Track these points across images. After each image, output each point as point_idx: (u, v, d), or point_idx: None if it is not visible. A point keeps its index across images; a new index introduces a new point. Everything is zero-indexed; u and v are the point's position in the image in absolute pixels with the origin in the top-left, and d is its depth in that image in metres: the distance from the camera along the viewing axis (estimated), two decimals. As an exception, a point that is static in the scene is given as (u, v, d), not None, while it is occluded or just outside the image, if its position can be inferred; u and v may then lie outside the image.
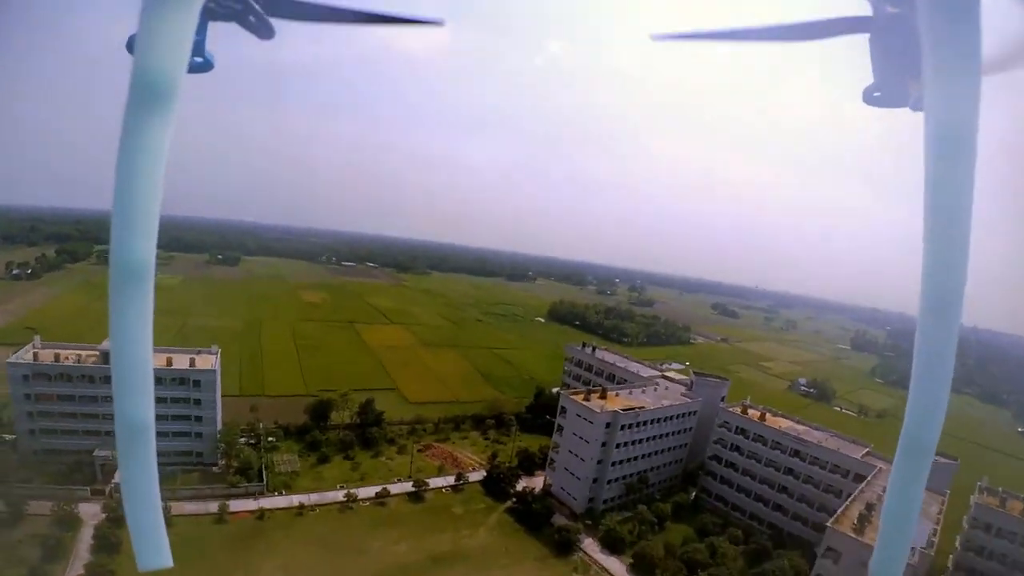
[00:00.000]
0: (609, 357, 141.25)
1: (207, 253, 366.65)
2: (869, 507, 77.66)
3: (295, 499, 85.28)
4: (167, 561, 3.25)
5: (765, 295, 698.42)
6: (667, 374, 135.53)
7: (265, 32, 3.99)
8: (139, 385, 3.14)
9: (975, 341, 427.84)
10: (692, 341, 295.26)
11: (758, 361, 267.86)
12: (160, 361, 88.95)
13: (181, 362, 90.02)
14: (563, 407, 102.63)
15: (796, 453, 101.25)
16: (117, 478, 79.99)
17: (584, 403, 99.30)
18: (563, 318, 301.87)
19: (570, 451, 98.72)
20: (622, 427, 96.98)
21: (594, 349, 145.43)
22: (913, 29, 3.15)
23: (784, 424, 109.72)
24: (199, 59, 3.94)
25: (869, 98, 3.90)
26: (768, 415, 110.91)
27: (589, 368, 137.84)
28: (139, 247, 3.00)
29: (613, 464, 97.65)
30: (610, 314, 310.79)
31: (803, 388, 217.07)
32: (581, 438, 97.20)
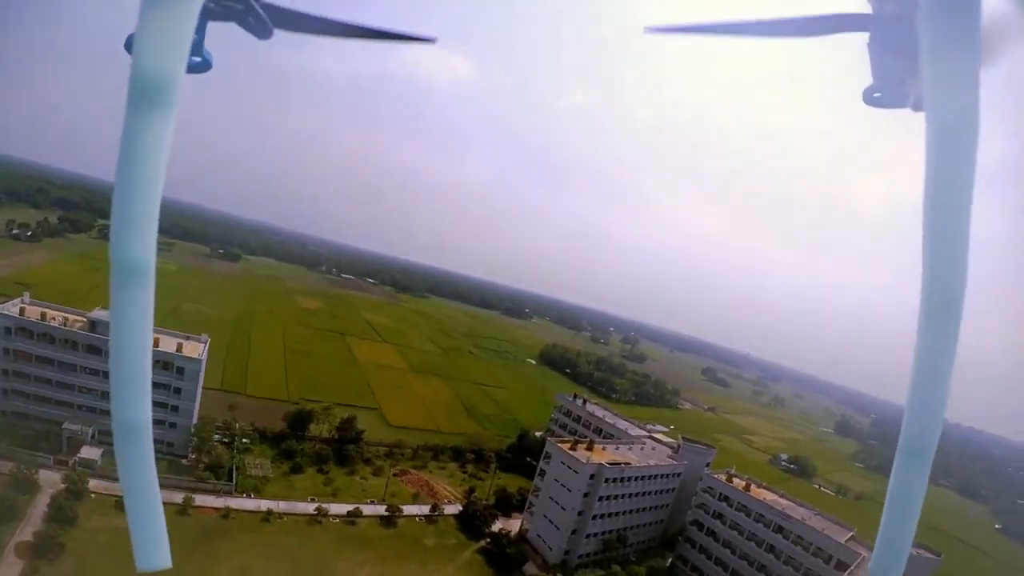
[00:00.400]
0: (599, 412, 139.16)
1: (208, 246, 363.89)
2: None
3: (263, 504, 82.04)
4: (166, 562, 3.09)
5: (755, 363, 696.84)
6: (655, 435, 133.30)
7: (263, 33, 3.84)
8: (138, 385, 2.99)
9: (957, 437, 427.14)
10: (680, 406, 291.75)
11: (742, 433, 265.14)
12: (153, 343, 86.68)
13: (168, 345, 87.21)
14: (548, 453, 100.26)
15: (779, 529, 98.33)
16: (83, 452, 77.80)
17: (570, 452, 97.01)
18: (554, 363, 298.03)
19: (551, 497, 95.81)
20: (606, 480, 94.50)
21: (585, 402, 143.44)
22: (913, 29, 3.07)
23: (768, 496, 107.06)
24: (197, 59, 3.73)
25: (869, 99, 3.70)
26: (753, 486, 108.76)
27: (578, 419, 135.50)
28: (139, 247, 2.90)
29: (593, 517, 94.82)
30: (601, 365, 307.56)
31: (784, 463, 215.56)
32: (564, 486, 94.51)
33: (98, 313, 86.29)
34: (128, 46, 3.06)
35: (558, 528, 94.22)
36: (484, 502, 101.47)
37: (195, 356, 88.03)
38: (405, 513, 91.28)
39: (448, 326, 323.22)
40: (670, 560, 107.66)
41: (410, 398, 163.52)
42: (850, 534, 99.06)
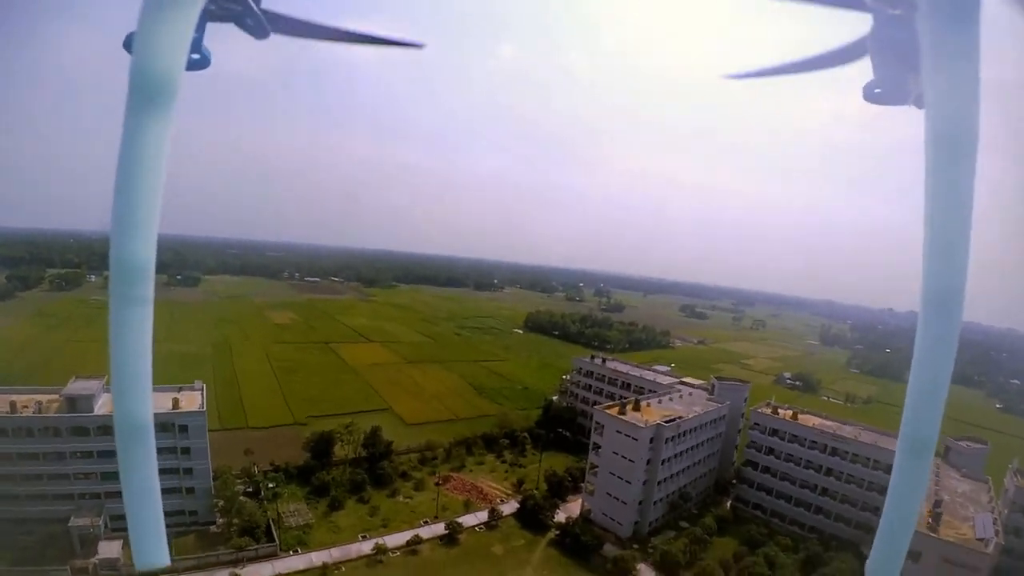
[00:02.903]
0: (621, 367, 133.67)
1: (164, 274, 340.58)
2: (937, 502, 72.53)
3: (314, 557, 72.69)
4: (164, 560, 3.31)
5: (726, 293, 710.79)
6: (685, 380, 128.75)
7: (261, 33, 3.92)
8: (138, 385, 3.17)
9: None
10: (672, 345, 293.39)
11: (739, 360, 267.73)
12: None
13: (162, 403, 75.70)
14: (599, 423, 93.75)
15: (834, 451, 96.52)
16: (101, 550, 66.87)
17: (623, 418, 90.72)
18: (541, 328, 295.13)
19: (611, 473, 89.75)
20: (666, 440, 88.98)
21: (604, 360, 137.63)
22: (913, 28, 3.16)
23: (815, 422, 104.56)
24: (195, 56, 3.78)
25: (870, 95, 3.77)
26: (799, 414, 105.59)
27: (602, 378, 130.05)
28: (139, 247, 2.99)
29: (658, 483, 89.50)
30: (587, 322, 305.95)
31: (789, 381, 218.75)
32: (624, 457, 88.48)
33: (74, 387, 73.95)
34: (127, 45, 3.10)
35: (625, 503, 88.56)
36: (537, 492, 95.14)
37: (196, 409, 76.99)
38: (464, 526, 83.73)
39: (427, 313, 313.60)
40: (729, 503, 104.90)
41: (417, 392, 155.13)
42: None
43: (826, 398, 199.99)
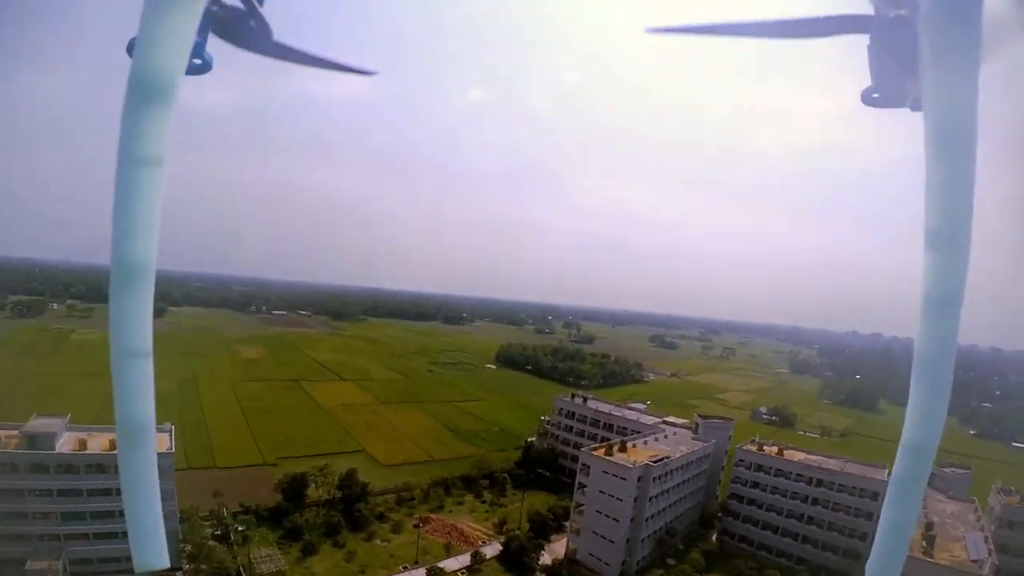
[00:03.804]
0: (603, 407, 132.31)
1: None
2: (929, 525, 73.14)
3: (290, 607, 68.43)
4: (164, 561, 3.35)
5: (692, 322, 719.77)
6: (668, 419, 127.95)
7: (264, 33, 3.94)
8: (139, 385, 3.20)
9: (902, 350, 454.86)
10: (645, 379, 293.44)
11: (713, 394, 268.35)
12: (102, 443, 70.86)
13: (127, 444, 71.59)
14: (585, 464, 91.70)
15: (819, 483, 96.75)
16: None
17: (610, 459, 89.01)
18: (514, 362, 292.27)
19: (598, 511, 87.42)
20: (654, 479, 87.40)
21: (585, 400, 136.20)
22: (912, 30, 3.18)
23: (799, 457, 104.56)
24: (198, 61, 3.78)
25: (868, 99, 3.76)
26: (784, 450, 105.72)
27: (583, 419, 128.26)
28: (139, 248, 3.00)
29: (646, 520, 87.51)
30: (559, 355, 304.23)
31: (765, 416, 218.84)
32: (612, 496, 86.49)
33: (35, 424, 68.94)
34: (130, 50, 3.11)
35: (612, 542, 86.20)
36: (520, 532, 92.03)
37: (164, 451, 72.09)
38: (446, 571, 79.78)
39: (397, 348, 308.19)
40: (715, 537, 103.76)
41: (391, 434, 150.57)
42: (885, 471, 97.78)
43: (803, 432, 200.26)
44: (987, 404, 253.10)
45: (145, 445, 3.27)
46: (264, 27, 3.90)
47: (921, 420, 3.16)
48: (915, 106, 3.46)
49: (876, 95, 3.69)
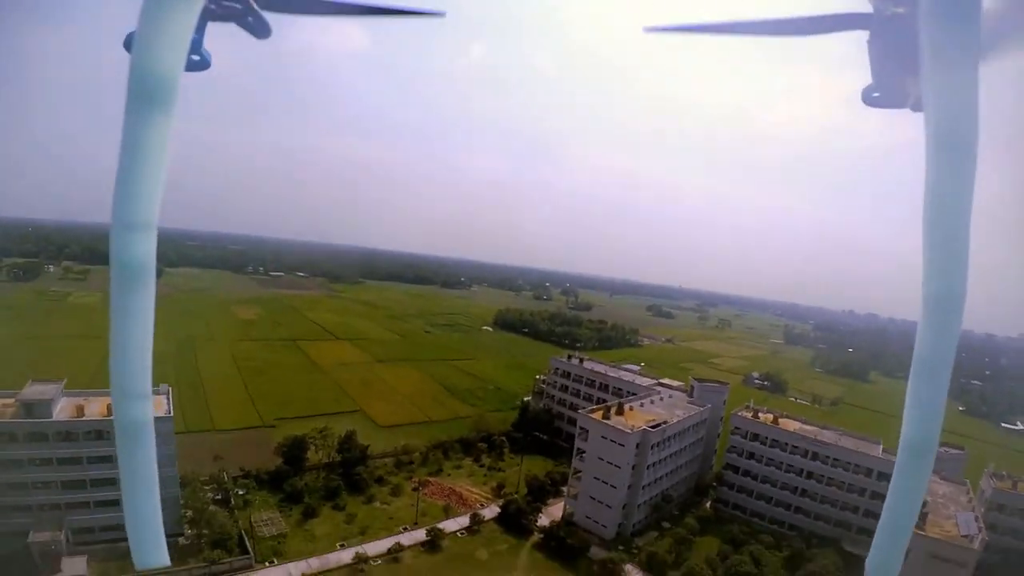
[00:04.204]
0: (599, 368, 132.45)
1: None
2: (922, 503, 73.57)
3: (291, 568, 68.85)
4: (164, 560, 3.37)
5: (689, 294, 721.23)
6: (663, 381, 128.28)
7: (262, 31, 3.94)
8: (138, 385, 3.21)
9: (894, 331, 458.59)
10: (640, 344, 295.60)
11: (707, 359, 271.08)
12: (100, 409, 70.45)
13: (126, 406, 71.16)
14: (583, 428, 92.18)
15: (815, 456, 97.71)
16: (65, 568, 61.89)
17: (609, 423, 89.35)
18: (511, 326, 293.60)
19: (596, 478, 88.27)
20: (652, 446, 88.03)
21: (582, 360, 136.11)
22: (912, 29, 3.16)
23: (794, 426, 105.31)
24: (196, 57, 3.82)
25: (868, 99, 3.77)
26: (779, 418, 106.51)
27: (579, 379, 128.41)
28: (140, 247, 3.02)
29: (643, 487, 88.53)
30: (557, 320, 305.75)
31: (757, 382, 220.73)
32: (610, 463, 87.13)
33: (31, 391, 68.04)
34: (127, 45, 3.12)
35: (609, 506, 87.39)
36: (516, 495, 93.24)
37: (162, 414, 71.25)
38: (446, 531, 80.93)
39: (395, 310, 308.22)
40: (709, 504, 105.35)
41: (389, 393, 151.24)
42: (879, 447, 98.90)
43: (794, 399, 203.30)
44: (976, 382, 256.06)
45: (144, 444, 3.18)
46: (262, 23, 3.85)
47: (921, 419, 3.12)
48: (916, 106, 3.43)
49: (877, 94, 3.65)
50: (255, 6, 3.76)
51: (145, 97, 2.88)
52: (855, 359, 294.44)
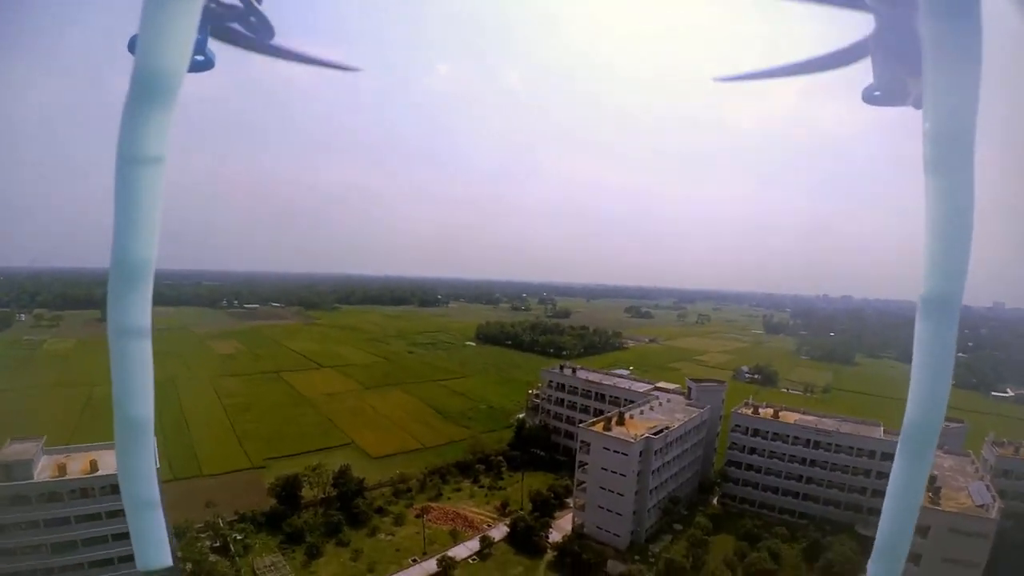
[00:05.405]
0: (593, 376, 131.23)
1: (97, 309, 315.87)
2: (932, 479, 74.30)
3: (301, 614, 65.94)
4: (166, 560, 3.29)
5: (666, 293, 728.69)
6: (659, 385, 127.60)
7: (265, 33, 3.90)
8: (138, 385, 3.19)
9: (878, 310, 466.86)
10: (625, 346, 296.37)
11: (693, 356, 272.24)
12: (83, 466, 66.80)
13: (109, 462, 67.41)
14: (584, 442, 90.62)
15: (817, 444, 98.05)
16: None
17: (611, 435, 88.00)
18: (493, 339, 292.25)
19: (602, 488, 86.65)
20: (655, 452, 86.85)
21: (574, 370, 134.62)
22: (913, 28, 3.19)
23: (794, 418, 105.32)
24: (200, 57, 3.77)
25: (869, 97, 3.74)
26: (780, 412, 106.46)
27: (574, 390, 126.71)
28: (139, 247, 3.02)
29: (650, 492, 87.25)
30: (539, 329, 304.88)
31: (747, 375, 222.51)
32: (615, 472, 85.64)
33: (10, 451, 63.62)
34: (132, 47, 3.10)
35: (619, 514, 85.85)
36: (522, 511, 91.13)
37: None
38: (457, 559, 78.17)
39: (375, 332, 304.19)
40: (716, 500, 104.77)
41: (379, 421, 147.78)
42: (880, 428, 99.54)
43: (785, 389, 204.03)
44: (961, 354, 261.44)
45: (145, 443, 3.11)
46: (265, 24, 3.76)
47: (922, 416, 3.05)
48: (918, 103, 3.33)
49: (878, 92, 3.59)
50: (257, 6, 3.67)
51: (147, 98, 2.85)
52: (838, 343, 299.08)
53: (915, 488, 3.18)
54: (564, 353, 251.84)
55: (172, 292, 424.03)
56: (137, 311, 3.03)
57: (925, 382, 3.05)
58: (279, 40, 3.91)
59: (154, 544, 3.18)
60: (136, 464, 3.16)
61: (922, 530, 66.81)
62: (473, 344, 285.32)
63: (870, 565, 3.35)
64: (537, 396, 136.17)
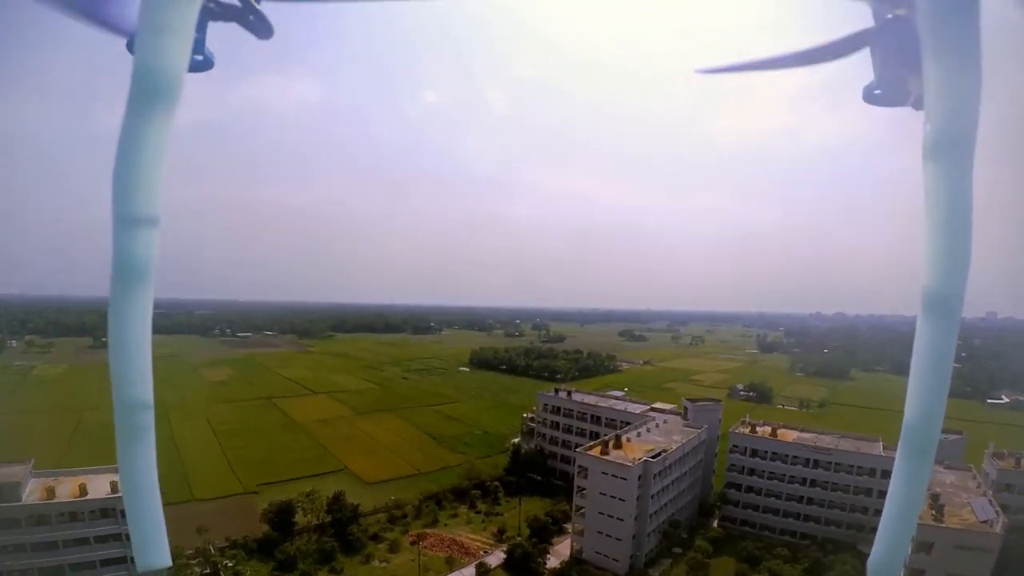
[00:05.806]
0: (589, 399, 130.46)
1: (89, 336, 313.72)
2: (935, 495, 74.02)
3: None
4: (166, 560, 3.32)
5: (659, 315, 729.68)
6: (655, 406, 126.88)
7: (264, 32, 3.88)
8: (138, 385, 3.19)
9: (869, 326, 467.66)
10: (619, 369, 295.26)
11: (687, 376, 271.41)
12: (72, 490, 65.49)
13: (99, 487, 66.40)
14: (582, 467, 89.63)
15: (816, 463, 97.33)
16: None
17: (608, 459, 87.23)
18: (487, 364, 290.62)
19: (601, 513, 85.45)
20: (654, 476, 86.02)
21: (570, 393, 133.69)
22: (914, 28, 3.18)
23: (792, 436, 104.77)
24: (199, 57, 3.75)
25: (870, 96, 3.73)
26: (777, 430, 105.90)
27: (569, 414, 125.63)
28: (139, 246, 3.02)
29: (650, 516, 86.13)
30: (533, 354, 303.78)
31: (742, 393, 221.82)
32: (614, 497, 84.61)
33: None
34: (130, 46, 3.15)
35: (618, 539, 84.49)
36: (519, 537, 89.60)
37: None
38: (454, 585, 76.75)
39: (369, 359, 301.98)
40: (716, 523, 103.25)
41: (373, 447, 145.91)
42: (879, 444, 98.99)
43: (781, 406, 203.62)
44: (956, 364, 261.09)
45: (145, 443, 3.18)
46: (264, 23, 3.74)
47: (921, 419, 3.07)
48: (918, 104, 3.37)
49: (878, 91, 3.59)
50: (256, 5, 3.66)
51: (147, 98, 2.83)
52: (832, 359, 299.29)
53: (916, 489, 3.17)
54: (558, 377, 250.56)
55: (164, 321, 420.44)
56: (138, 311, 3.05)
57: (925, 384, 3.05)
58: (279, 39, 3.95)
59: (155, 544, 3.23)
60: (137, 465, 3.20)
61: (926, 547, 66.22)
62: (467, 369, 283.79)
63: (870, 563, 3.36)
64: (532, 420, 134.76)
